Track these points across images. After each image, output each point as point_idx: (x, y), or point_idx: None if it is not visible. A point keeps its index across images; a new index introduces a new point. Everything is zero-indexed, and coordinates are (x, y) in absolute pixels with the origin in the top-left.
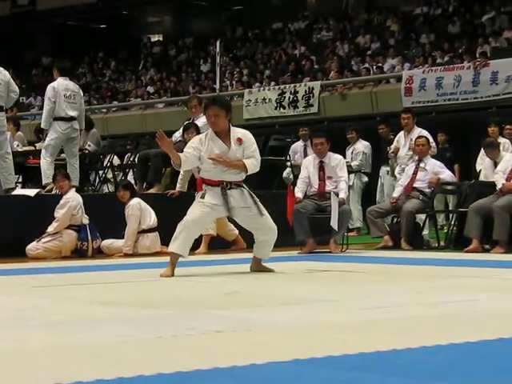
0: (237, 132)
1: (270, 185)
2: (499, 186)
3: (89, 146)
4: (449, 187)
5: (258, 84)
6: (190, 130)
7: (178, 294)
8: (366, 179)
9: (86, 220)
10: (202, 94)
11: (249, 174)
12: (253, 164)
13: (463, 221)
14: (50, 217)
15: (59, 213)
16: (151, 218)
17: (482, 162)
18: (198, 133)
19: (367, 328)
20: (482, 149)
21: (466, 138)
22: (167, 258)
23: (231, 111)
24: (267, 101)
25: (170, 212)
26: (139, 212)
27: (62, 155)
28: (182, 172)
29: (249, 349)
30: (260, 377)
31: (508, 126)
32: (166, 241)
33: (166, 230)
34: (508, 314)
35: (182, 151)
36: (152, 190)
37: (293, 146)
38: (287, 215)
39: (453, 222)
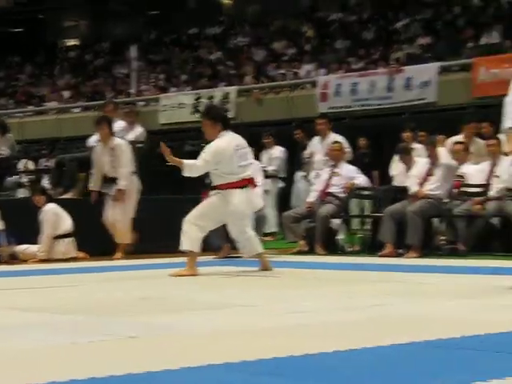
0: None
1: (185, 189)
2: (412, 190)
3: (3, 150)
4: (364, 192)
5: (174, 89)
6: (101, 124)
7: (97, 299)
8: (281, 184)
9: (0, 225)
10: (118, 98)
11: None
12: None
13: (378, 226)
14: None
15: None
16: (66, 223)
17: (396, 168)
18: (110, 126)
19: (283, 333)
20: (396, 154)
21: (381, 143)
22: (83, 264)
23: (222, 121)
24: (183, 106)
25: (86, 217)
26: (54, 217)
27: None
28: (93, 171)
29: (164, 354)
30: (174, 382)
31: (421, 133)
32: (81, 246)
33: (81, 236)
34: (421, 319)
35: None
36: (67, 195)
37: None
38: None
39: (368, 227)
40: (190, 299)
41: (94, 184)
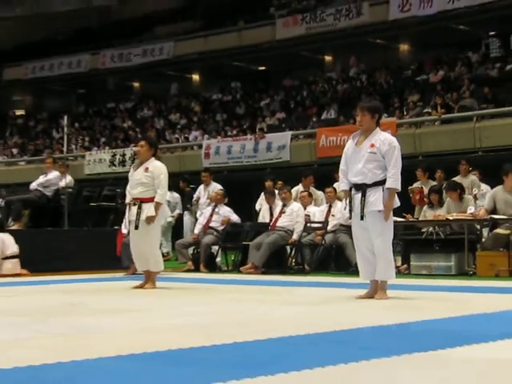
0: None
1: (103, 224)
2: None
3: None
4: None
5: (95, 148)
6: None
7: (35, 305)
8: (170, 219)
9: None
10: (54, 154)
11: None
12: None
13: (246, 251)
14: None
15: None
16: (13, 247)
17: (261, 207)
18: None
19: (174, 330)
20: (262, 195)
21: (249, 190)
22: (26, 279)
23: (155, 146)
24: (103, 160)
25: (29, 242)
26: (1, 243)
27: None
28: None
29: (83, 347)
30: (88, 370)
31: (279, 182)
32: (25, 265)
33: (25, 257)
34: (281, 319)
35: (37, 198)
36: (14, 227)
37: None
38: (117, 247)
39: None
40: (104, 306)
41: None
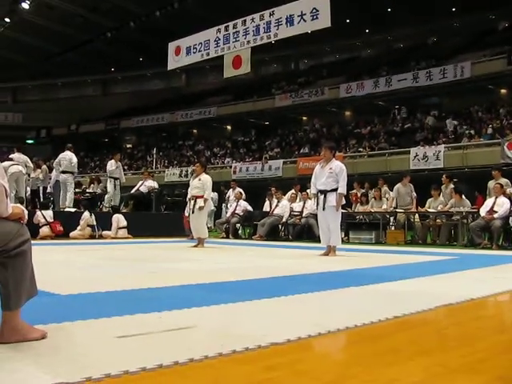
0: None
1: (174, 209)
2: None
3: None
4: (251, 213)
5: (171, 167)
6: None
7: (137, 254)
8: (213, 207)
9: (94, 222)
10: (148, 170)
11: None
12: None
13: (255, 227)
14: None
15: (81, 223)
16: (123, 222)
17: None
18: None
19: (214, 271)
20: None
21: (258, 192)
22: (131, 240)
23: (205, 166)
24: (174, 174)
25: (133, 218)
26: (116, 219)
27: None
28: None
29: (166, 279)
30: (166, 293)
31: (275, 188)
32: (131, 232)
33: (131, 227)
34: (274, 267)
35: (137, 194)
36: (124, 210)
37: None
38: (184, 223)
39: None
40: (176, 256)
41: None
